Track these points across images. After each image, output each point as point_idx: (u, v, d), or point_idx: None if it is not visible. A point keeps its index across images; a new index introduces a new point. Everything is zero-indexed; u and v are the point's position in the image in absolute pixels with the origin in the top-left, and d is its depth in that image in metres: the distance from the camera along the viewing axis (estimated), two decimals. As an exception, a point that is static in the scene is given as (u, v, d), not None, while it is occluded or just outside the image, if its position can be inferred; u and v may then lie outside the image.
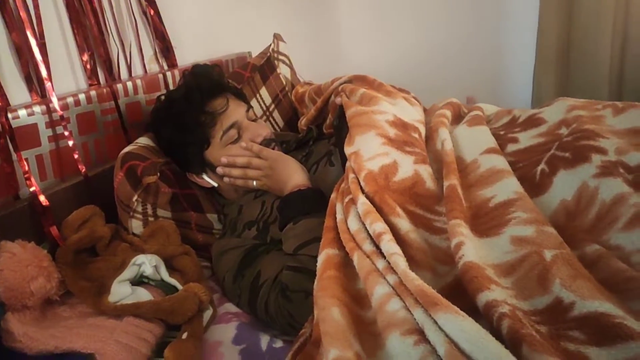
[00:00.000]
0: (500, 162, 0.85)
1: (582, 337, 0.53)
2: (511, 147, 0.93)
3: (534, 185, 0.80)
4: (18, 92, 1.04)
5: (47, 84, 1.03)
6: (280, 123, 1.41)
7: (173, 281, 0.92)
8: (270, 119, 1.39)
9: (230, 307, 0.97)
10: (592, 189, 0.74)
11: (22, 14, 1.01)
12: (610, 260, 0.64)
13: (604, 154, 0.78)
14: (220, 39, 1.54)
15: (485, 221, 0.74)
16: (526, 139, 0.94)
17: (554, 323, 0.56)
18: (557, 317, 0.56)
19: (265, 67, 1.41)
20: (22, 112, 0.99)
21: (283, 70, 1.45)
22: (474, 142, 0.93)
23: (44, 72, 1.03)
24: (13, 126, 0.97)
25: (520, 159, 0.89)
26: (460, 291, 0.63)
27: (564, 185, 0.78)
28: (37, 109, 1.01)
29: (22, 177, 0.98)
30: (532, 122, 0.98)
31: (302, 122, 1.24)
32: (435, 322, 0.52)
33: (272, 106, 1.39)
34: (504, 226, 0.71)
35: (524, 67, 2.11)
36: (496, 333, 0.53)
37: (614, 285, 0.60)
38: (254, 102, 1.34)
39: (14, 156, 0.97)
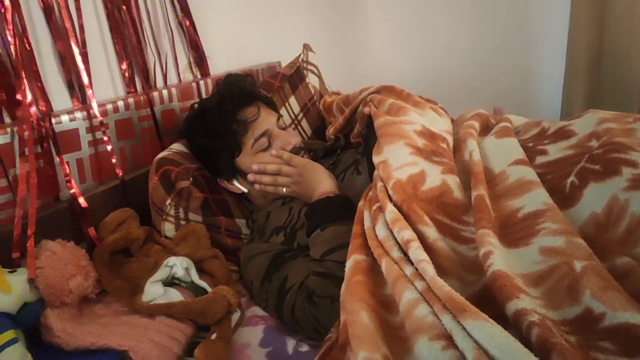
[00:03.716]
0: (529, 173, 0.85)
1: (612, 347, 0.53)
2: (540, 159, 0.93)
3: (564, 198, 0.80)
4: (61, 99, 1.08)
5: (88, 91, 1.08)
6: (308, 131, 1.43)
7: (203, 283, 0.94)
8: (299, 127, 1.41)
9: (257, 310, 0.99)
10: (623, 202, 0.74)
11: (67, 23, 1.06)
12: (641, 273, 0.64)
13: (635, 167, 0.77)
14: (251, 49, 1.58)
15: (514, 231, 0.74)
16: (555, 151, 0.93)
17: (583, 333, 0.56)
18: (587, 328, 0.56)
19: (294, 76, 1.44)
20: (65, 118, 1.04)
21: (312, 80, 1.48)
22: (502, 154, 0.93)
23: (85, 80, 1.08)
24: (56, 131, 1.02)
25: (549, 171, 0.88)
26: (488, 299, 0.63)
27: (594, 198, 0.77)
28: (78, 114, 1.06)
29: (63, 180, 1.02)
30: (561, 134, 0.97)
31: (330, 131, 1.26)
32: (464, 329, 0.53)
33: (301, 115, 1.42)
34: (533, 236, 0.71)
35: (554, 77, 2.08)
36: (525, 341, 0.53)
37: (645, 298, 0.60)
38: (283, 111, 1.37)
39: (56, 159, 1.01)
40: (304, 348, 0.87)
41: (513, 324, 0.57)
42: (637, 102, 1.83)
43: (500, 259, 0.66)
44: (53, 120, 1.02)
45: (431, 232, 0.75)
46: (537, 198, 0.78)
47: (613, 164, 0.79)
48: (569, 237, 0.69)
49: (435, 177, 0.85)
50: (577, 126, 0.97)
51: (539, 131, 1.04)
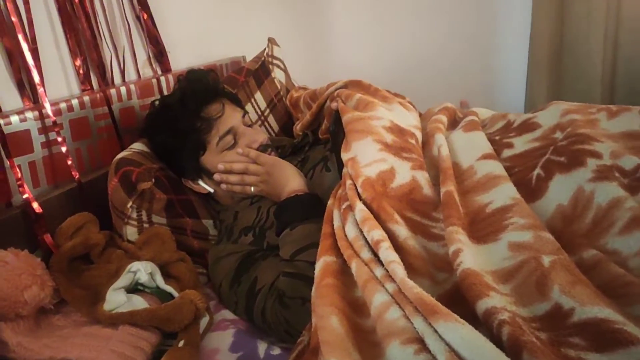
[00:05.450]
0: (496, 167, 0.85)
1: (583, 343, 0.53)
2: (507, 152, 0.93)
3: (530, 190, 0.81)
4: (10, 98, 1.03)
5: (40, 90, 1.02)
6: (275, 128, 1.40)
7: (169, 288, 0.91)
8: (265, 123, 1.39)
9: (227, 314, 0.96)
10: (588, 194, 0.75)
11: (14, 18, 1.00)
12: (608, 266, 0.64)
13: (599, 158, 0.78)
14: (214, 43, 1.54)
15: (483, 227, 0.74)
16: (521, 143, 0.94)
17: (553, 329, 0.56)
18: (557, 324, 0.56)
19: (259, 71, 1.40)
20: (15, 118, 0.98)
21: (278, 75, 1.45)
22: (470, 148, 0.93)
23: (36, 78, 1.02)
24: (5, 132, 0.96)
25: (516, 164, 0.89)
26: (459, 298, 0.63)
27: (560, 190, 0.78)
28: (29, 114, 1.00)
29: (14, 184, 0.96)
30: (527, 126, 0.98)
31: (298, 128, 1.23)
32: (436, 331, 0.52)
33: (267, 111, 1.39)
34: (502, 232, 0.71)
35: (517, 71, 2.12)
36: (496, 340, 0.53)
37: (612, 291, 0.60)
38: (248, 107, 1.34)
39: (6, 163, 0.96)
40: (276, 351, 0.85)
41: (484, 323, 0.56)
42: (598, 93, 1.89)
43: (469, 257, 0.66)
44: (2, 121, 0.96)
45: (402, 231, 0.74)
46: (505, 193, 0.78)
47: (578, 155, 0.80)
48: (537, 232, 0.69)
49: (404, 173, 0.84)
50: (541, 118, 0.98)
51: (505, 124, 1.05)
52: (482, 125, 1.07)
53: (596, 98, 1.88)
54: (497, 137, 0.98)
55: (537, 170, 0.83)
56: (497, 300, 0.58)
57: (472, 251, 0.68)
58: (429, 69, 2.12)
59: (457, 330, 0.51)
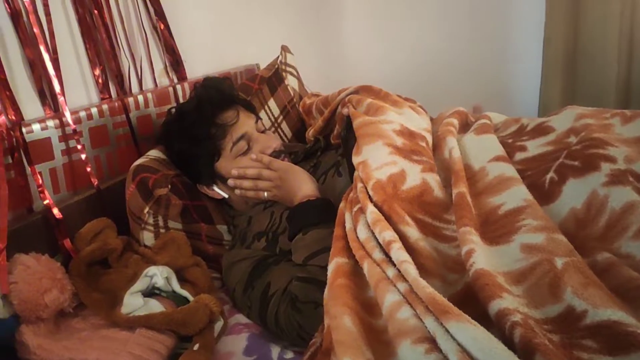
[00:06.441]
0: (508, 170, 0.85)
1: (595, 346, 0.53)
2: (519, 156, 0.93)
3: (543, 194, 0.80)
4: (32, 107, 1.05)
5: (60, 98, 1.05)
6: (289, 134, 1.42)
7: (184, 292, 0.92)
8: (279, 130, 1.40)
9: (241, 318, 0.97)
10: (602, 197, 0.74)
11: (36, 29, 1.03)
12: (622, 269, 0.64)
13: (613, 163, 0.78)
14: (229, 52, 1.56)
15: (495, 229, 0.74)
16: (534, 147, 0.94)
17: (566, 332, 0.56)
18: (570, 326, 0.56)
19: (273, 78, 1.42)
20: (36, 127, 1.01)
21: (291, 82, 1.46)
22: (482, 150, 0.93)
23: (57, 87, 1.05)
24: (27, 140, 0.99)
25: (529, 167, 0.89)
26: (470, 299, 0.63)
27: (574, 194, 0.78)
28: (50, 123, 1.03)
29: (35, 191, 0.99)
30: (540, 130, 0.98)
31: (310, 133, 1.25)
32: (447, 331, 0.52)
33: (280, 117, 1.41)
34: (514, 234, 0.71)
35: (531, 75, 2.11)
36: (508, 342, 0.53)
37: (625, 294, 0.60)
38: (262, 114, 1.35)
39: (28, 170, 0.98)
40: (289, 355, 0.86)
41: (496, 324, 0.56)
42: (613, 97, 1.87)
43: (482, 257, 0.66)
44: (24, 130, 0.99)
45: (412, 232, 0.74)
46: (517, 195, 0.78)
47: (592, 159, 0.80)
48: (550, 234, 0.69)
49: (415, 176, 0.85)
50: (555, 122, 0.97)
51: (518, 128, 1.04)
52: (495, 129, 1.07)
53: (610, 102, 1.86)
54: (509, 140, 0.98)
55: (551, 174, 0.83)
56: (509, 302, 0.58)
57: (485, 252, 0.68)
58: (441, 74, 2.12)
59: (469, 331, 0.51)
